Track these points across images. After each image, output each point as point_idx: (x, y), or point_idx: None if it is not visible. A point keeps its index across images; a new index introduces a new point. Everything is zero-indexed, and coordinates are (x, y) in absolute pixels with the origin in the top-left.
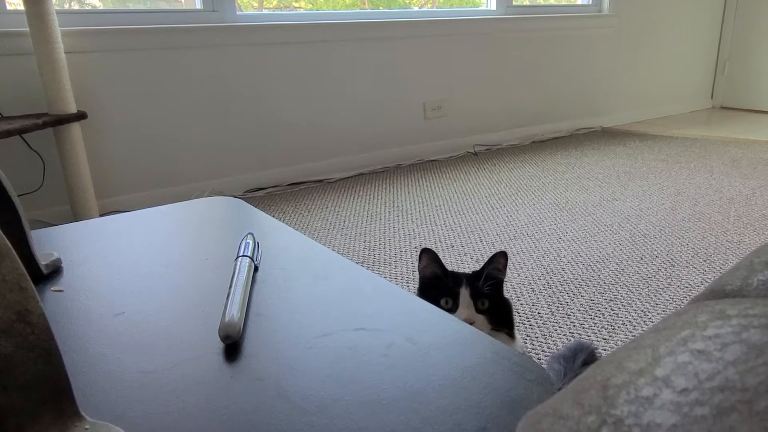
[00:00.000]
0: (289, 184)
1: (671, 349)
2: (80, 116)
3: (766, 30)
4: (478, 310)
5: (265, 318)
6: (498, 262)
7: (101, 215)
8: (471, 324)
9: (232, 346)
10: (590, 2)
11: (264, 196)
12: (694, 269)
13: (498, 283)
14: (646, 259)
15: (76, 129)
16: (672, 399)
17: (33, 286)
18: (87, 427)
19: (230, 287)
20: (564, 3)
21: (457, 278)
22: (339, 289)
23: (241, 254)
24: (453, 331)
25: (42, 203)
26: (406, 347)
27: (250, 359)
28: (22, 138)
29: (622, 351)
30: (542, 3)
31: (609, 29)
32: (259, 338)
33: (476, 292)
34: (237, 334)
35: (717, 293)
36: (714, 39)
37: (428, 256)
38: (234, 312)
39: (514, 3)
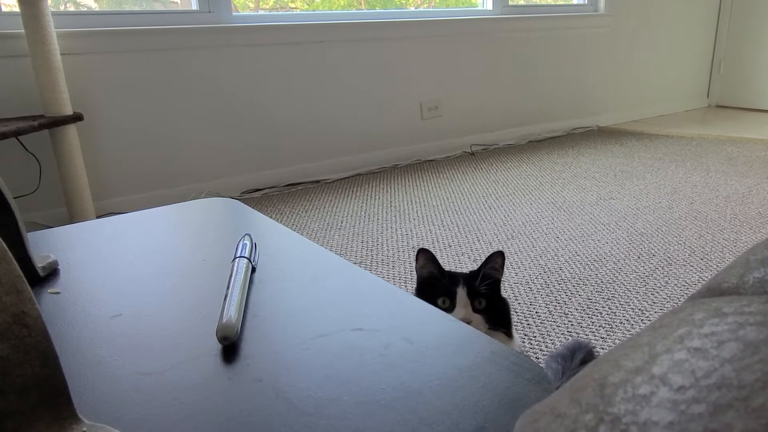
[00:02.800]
0: (285, 185)
1: (668, 347)
2: (76, 118)
3: (762, 29)
4: (475, 310)
5: (263, 319)
6: (495, 261)
7: (98, 217)
8: (468, 323)
9: (230, 348)
10: (586, 2)
11: (261, 197)
12: (691, 267)
13: (495, 283)
14: (643, 258)
15: (72, 131)
16: (669, 397)
17: (30, 288)
18: (84, 429)
19: (227, 288)
20: (560, 2)
21: (453, 278)
22: (336, 290)
23: (238, 255)
24: (450, 331)
25: (38, 205)
26: (403, 347)
27: (247, 360)
28: (18, 140)
29: (619, 349)
30: (538, 3)
31: (605, 29)
32: (257, 339)
33: (473, 292)
34: (234, 336)
35: (713, 291)
36: (709, 38)
37: (425, 255)
38: (231, 313)
39: (510, 3)
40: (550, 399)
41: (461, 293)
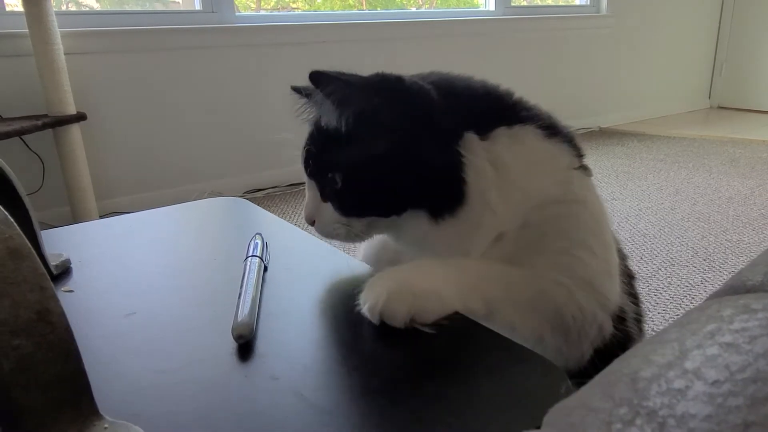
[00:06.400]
0: (288, 185)
1: (699, 343)
2: (80, 117)
3: (763, 30)
4: None
5: (277, 317)
6: None
7: (101, 217)
8: None
9: (245, 346)
10: (588, 3)
11: (263, 197)
12: (694, 268)
13: None
14: (645, 259)
15: (75, 130)
16: (704, 390)
17: (53, 285)
18: (106, 426)
19: (241, 287)
20: (562, 3)
21: None
22: (347, 287)
23: (250, 254)
24: (461, 326)
25: (41, 205)
26: (416, 343)
27: (263, 358)
28: (22, 139)
29: (646, 345)
30: (540, 3)
31: (607, 29)
32: (272, 337)
33: None
34: (250, 334)
35: (738, 289)
36: (711, 39)
37: None
38: (246, 312)
39: (513, 3)
40: (579, 394)
41: None
